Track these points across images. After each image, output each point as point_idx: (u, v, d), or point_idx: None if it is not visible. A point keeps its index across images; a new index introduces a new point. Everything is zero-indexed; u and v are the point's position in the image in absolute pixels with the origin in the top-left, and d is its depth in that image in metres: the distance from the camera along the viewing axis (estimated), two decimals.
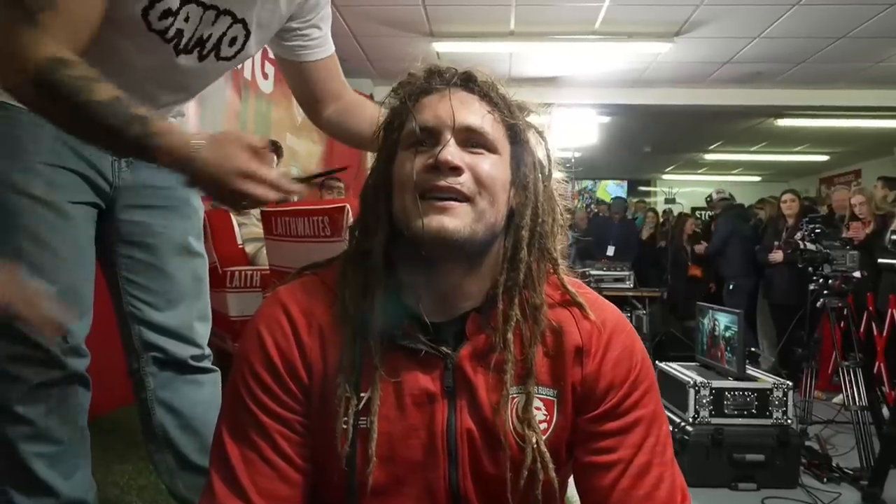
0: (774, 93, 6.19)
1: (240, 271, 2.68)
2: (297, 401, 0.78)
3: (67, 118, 0.88)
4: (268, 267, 2.34)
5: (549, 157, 0.84)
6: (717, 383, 2.85)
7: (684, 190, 12.38)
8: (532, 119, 0.88)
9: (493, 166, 0.77)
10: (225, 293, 2.61)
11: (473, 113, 0.77)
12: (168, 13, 1.02)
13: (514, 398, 0.78)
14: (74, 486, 1.14)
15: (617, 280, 6.19)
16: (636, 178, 13.08)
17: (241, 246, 2.91)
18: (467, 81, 0.80)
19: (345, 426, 0.75)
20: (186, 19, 1.05)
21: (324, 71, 1.29)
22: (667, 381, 3.21)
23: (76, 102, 0.83)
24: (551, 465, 0.77)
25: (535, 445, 0.77)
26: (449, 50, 5.26)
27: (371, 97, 6.29)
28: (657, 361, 3.45)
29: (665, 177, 13.09)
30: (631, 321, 4.65)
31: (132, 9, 0.99)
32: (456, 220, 0.74)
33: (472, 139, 0.77)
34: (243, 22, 1.11)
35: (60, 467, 1.12)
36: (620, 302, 6.28)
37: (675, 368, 3.20)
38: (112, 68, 0.92)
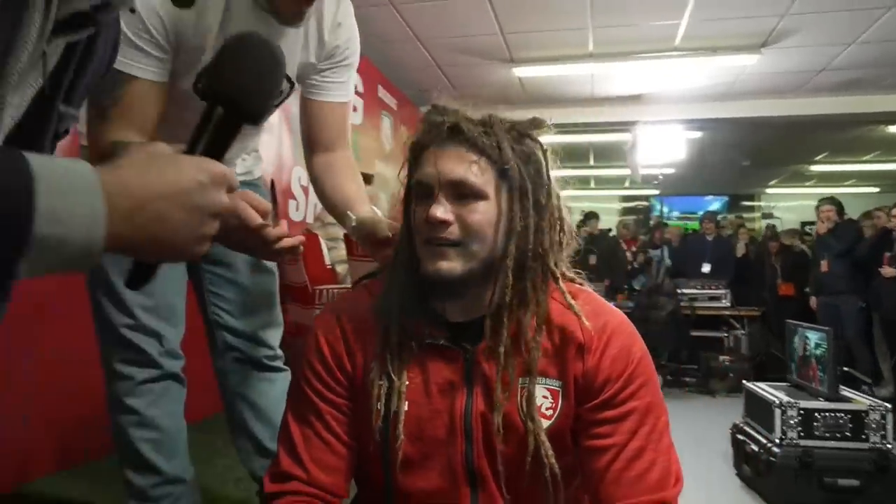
0: (881, 99, 5.82)
1: (327, 289, 2.91)
2: (343, 388, 0.94)
3: None
4: (350, 286, 2.54)
5: (548, 176, 0.94)
6: (805, 404, 2.74)
7: (791, 204, 11.72)
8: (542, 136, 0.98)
9: (480, 212, 0.88)
10: (313, 309, 2.85)
11: (459, 166, 0.88)
12: None
13: (522, 388, 0.90)
14: (174, 466, 1.35)
15: (712, 299, 6.01)
16: (737, 192, 12.51)
17: (329, 266, 3.15)
18: (455, 135, 0.89)
19: (378, 408, 0.90)
20: None
21: (328, 116, 1.37)
22: (754, 401, 3.12)
23: None
24: (551, 452, 0.88)
25: (535, 433, 0.88)
26: (529, 74, 5.39)
27: None
28: (745, 381, 3.35)
29: (769, 191, 12.45)
30: (728, 342, 4.56)
31: (187, 85, 1.19)
32: (450, 263, 0.88)
33: (459, 191, 0.88)
34: (287, 77, 1.29)
35: (162, 450, 1.33)
36: (716, 321, 6.08)
37: (762, 388, 3.10)
38: (181, 130, 1.13)
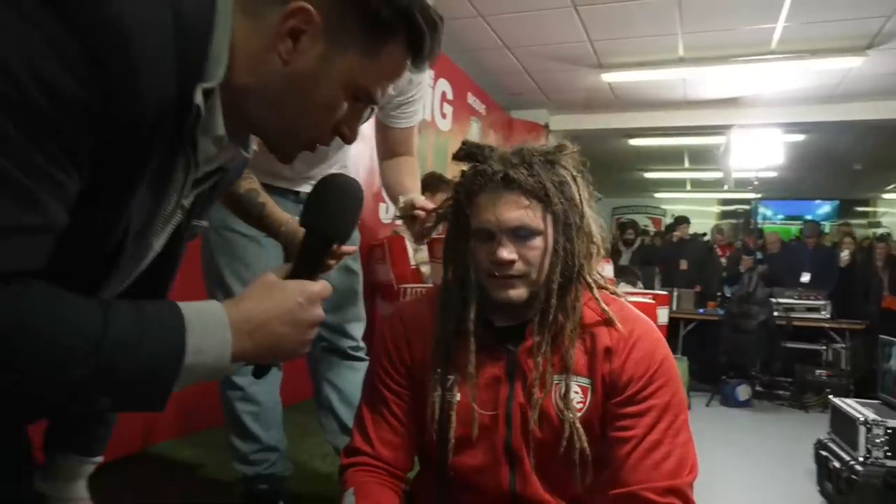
0: None
1: (411, 288, 3.13)
2: (404, 379, 1.13)
3: (229, 203, 1.34)
4: (432, 285, 2.74)
5: (580, 198, 1.07)
6: (893, 423, 2.66)
7: None
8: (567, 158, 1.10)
9: (537, 247, 1.03)
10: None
11: (516, 212, 1.02)
12: None
13: (556, 384, 1.05)
14: (271, 437, 1.59)
15: (810, 310, 5.75)
16: (849, 197, 11.70)
17: (413, 267, 3.37)
18: (507, 183, 1.03)
19: (435, 398, 1.07)
20: None
21: (400, 136, 1.68)
22: (840, 417, 3.04)
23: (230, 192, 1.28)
24: (584, 437, 1.02)
25: (571, 421, 1.02)
26: (618, 80, 5.39)
27: (546, 126, 6.60)
28: (832, 396, 3.26)
29: (886, 196, 11.56)
30: (826, 355, 4.42)
31: None
32: (517, 291, 1.04)
33: (519, 232, 1.03)
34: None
35: (261, 422, 1.57)
36: (816, 334, 5.81)
37: (849, 405, 3.02)
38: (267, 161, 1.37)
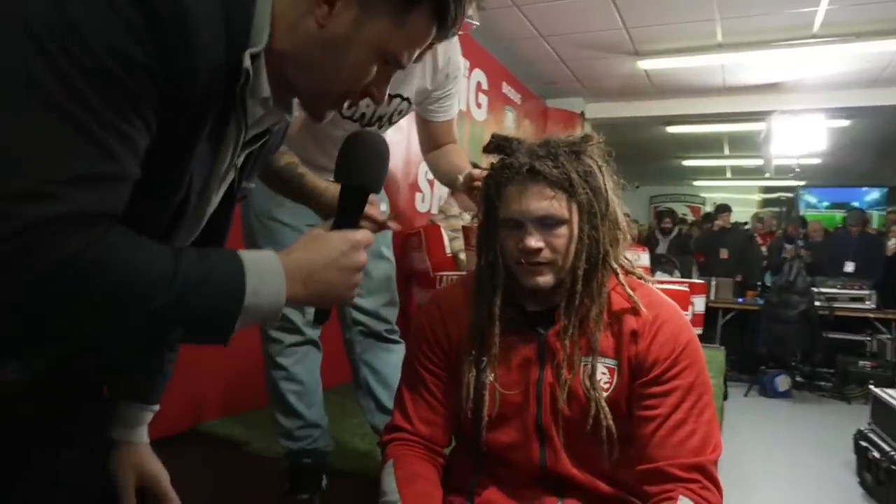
0: None
1: (447, 275, 3.19)
2: (442, 361, 1.19)
3: (271, 180, 1.38)
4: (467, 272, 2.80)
5: (605, 187, 1.11)
6: None
7: None
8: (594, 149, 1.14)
9: (563, 235, 1.08)
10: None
11: (542, 202, 1.07)
12: (352, 104, 1.50)
13: (584, 365, 1.10)
14: (313, 414, 1.67)
15: (854, 300, 5.63)
16: None
17: (449, 255, 3.43)
18: (533, 175, 1.08)
19: (470, 378, 1.13)
20: (368, 105, 1.55)
21: (441, 128, 1.75)
22: (880, 407, 3.01)
23: (263, 175, 1.32)
24: (609, 415, 1.07)
25: (597, 400, 1.07)
26: (655, 67, 5.33)
27: (582, 115, 6.56)
28: (873, 387, 3.22)
29: None
30: (871, 346, 4.39)
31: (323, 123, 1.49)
32: (544, 277, 1.09)
33: (545, 222, 1.08)
34: (408, 99, 1.58)
35: (304, 400, 1.66)
36: (861, 324, 5.68)
37: (890, 394, 2.98)
38: (318, 140, 1.44)
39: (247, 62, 0.67)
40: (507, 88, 5.25)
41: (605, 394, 1.09)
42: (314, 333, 1.67)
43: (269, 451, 1.93)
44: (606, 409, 1.07)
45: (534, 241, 1.07)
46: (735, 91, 5.84)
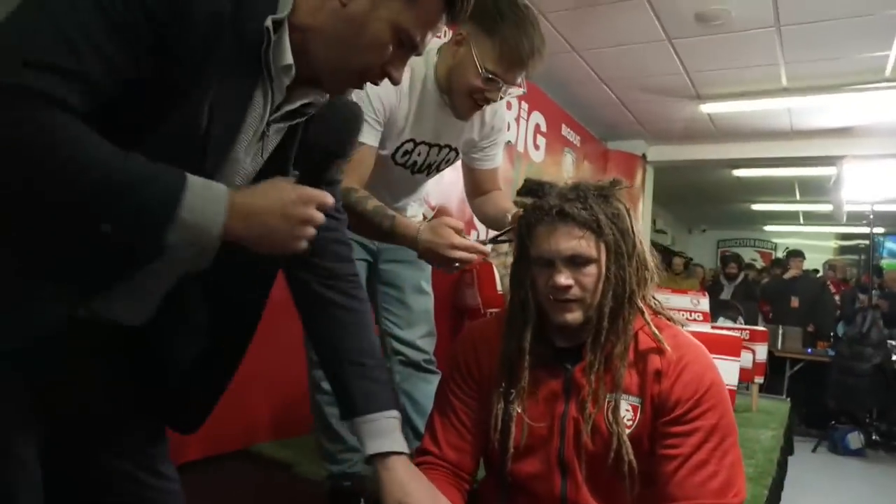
0: None
1: (497, 312, 3.25)
2: (473, 390, 1.25)
3: (355, 222, 1.47)
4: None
5: (632, 228, 1.17)
6: None
7: None
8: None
9: (591, 274, 1.13)
10: None
11: (571, 242, 1.13)
12: (407, 153, 1.63)
13: (608, 401, 1.13)
14: (354, 439, 1.74)
15: None
16: None
17: (500, 292, 3.48)
18: (563, 216, 1.14)
19: (499, 409, 1.18)
20: (419, 154, 1.67)
21: (486, 175, 1.83)
22: None
23: (357, 210, 1.45)
24: (631, 451, 1.10)
25: (619, 435, 1.10)
26: (719, 111, 5.28)
27: (644, 157, 6.54)
28: None
29: None
30: None
31: (387, 153, 1.62)
32: (573, 314, 1.14)
33: (574, 260, 1.13)
34: (456, 150, 1.68)
35: (347, 424, 1.73)
36: None
37: None
38: (374, 184, 1.56)
39: (268, 23, 0.77)
40: (566, 131, 5.32)
41: (627, 430, 1.12)
42: None
43: (314, 475, 2.00)
44: (628, 444, 1.10)
45: (563, 279, 1.12)
46: (803, 135, 5.69)
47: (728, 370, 2.42)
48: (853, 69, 4.33)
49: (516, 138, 4.46)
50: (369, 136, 1.52)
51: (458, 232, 1.38)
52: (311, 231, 0.81)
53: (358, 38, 0.81)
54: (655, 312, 1.21)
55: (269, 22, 0.77)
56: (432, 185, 1.96)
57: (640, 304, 1.17)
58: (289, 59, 0.80)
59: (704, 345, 2.41)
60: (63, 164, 0.65)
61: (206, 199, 0.72)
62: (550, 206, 1.15)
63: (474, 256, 1.40)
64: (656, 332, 1.15)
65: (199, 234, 0.72)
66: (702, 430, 1.09)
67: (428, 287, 1.89)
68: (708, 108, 5.20)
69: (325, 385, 1.73)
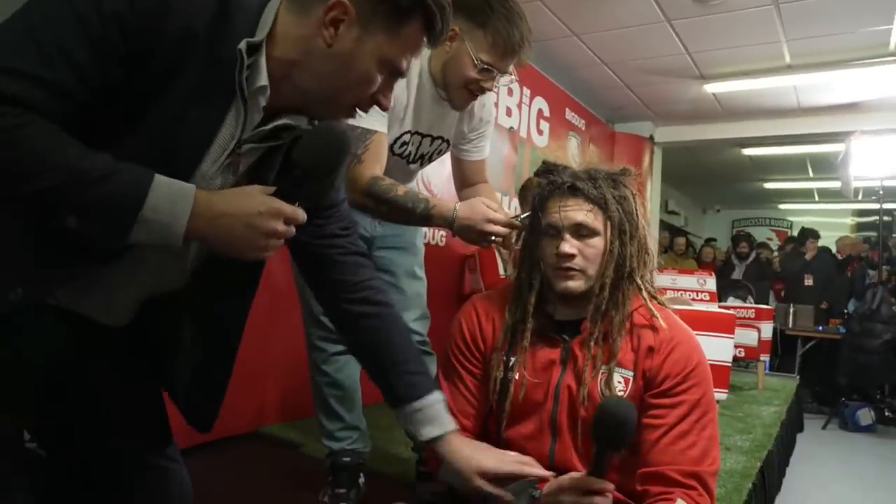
0: None
1: (501, 287, 3.32)
2: (476, 359, 1.33)
3: (385, 210, 1.56)
4: None
5: (637, 212, 1.25)
6: None
7: None
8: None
9: (595, 246, 1.22)
10: None
11: (579, 213, 1.21)
12: (404, 143, 1.71)
13: (603, 373, 1.22)
14: (353, 417, 1.84)
15: None
16: None
17: (503, 277, 3.55)
18: (573, 191, 1.23)
19: (498, 374, 1.27)
20: (413, 144, 1.75)
21: (474, 167, 1.91)
22: None
23: (388, 198, 1.52)
24: None
25: None
26: (723, 90, 5.26)
27: (651, 139, 6.53)
28: None
29: None
30: None
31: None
32: (575, 282, 1.23)
33: (580, 230, 1.22)
34: (448, 141, 1.76)
35: (345, 404, 1.83)
36: None
37: None
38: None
39: (241, 45, 0.81)
40: (570, 115, 5.34)
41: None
42: None
43: (319, 453, 2.10)
44: None
45: (568, 247, 1.21)
46: (811, 112, 5.65)
47: (722, 347, 2.48)
48: (857, 44, 4.30)
49: (518, 124, 4.50)
50: (380, 124, 1.58)
51: (494, 208, 1.46)
52: (276, 243, 0.83)
53: (347, 76, 0.86)
54: (651, 296, 1.29)
55: (242, 45, 0.81)
56: (435, 172, 2.03)
57: (639, 282, 1.25)
58: (263, 80, 0.83)
59: (700, 323, 2.50)
60: (31, 158, 0.69)
61: (172, 199, 0.75)
62: (563, 181, 1.24)
63: (508, 231, 1.47)
64: (654, 310, 1.25)
65: (162, 230, 0.75)
66: (686, 403, 1.18)
67: (421, 272, 1.97)
68: (712, 87, 5.19)
69: (325, 367, 1.82)
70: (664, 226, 8.67)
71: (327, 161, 0.87)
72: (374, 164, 1.55)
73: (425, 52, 1.64)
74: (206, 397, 1.08)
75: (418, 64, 1.66)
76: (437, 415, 1.12)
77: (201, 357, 1.03)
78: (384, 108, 0.93)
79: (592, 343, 1.22)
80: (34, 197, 0.72)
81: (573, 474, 1.12)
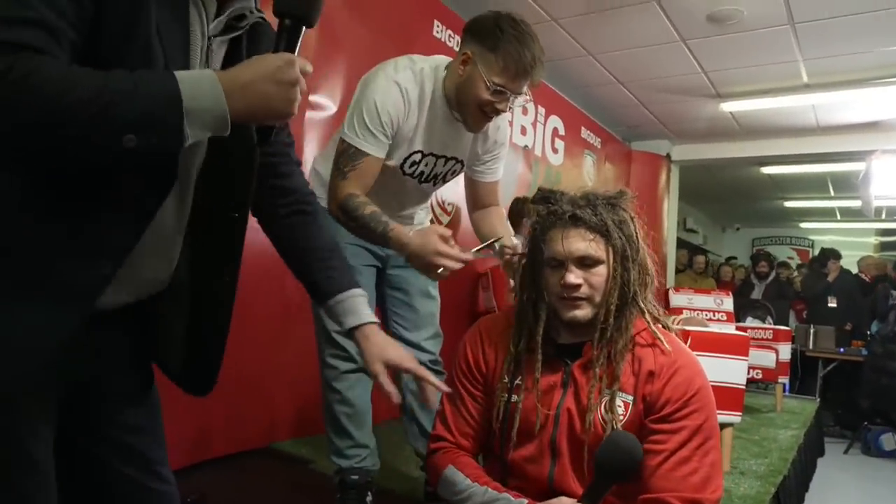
0: None
1: (505, 310, 3.32)
2: (479, 382, 1.35)
3: (354, 226, 1.61)
4: None
5: (637, 236, 1.26)
6: None
7: None
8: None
9: (599, 274, 1.24)
10: None
11: (582, 244, 1.23)
12: (414, 163, 1.74)
13: (605, 397, 1.22)
14: (362, 435, 1.85)
15: None
16: None
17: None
18: (575, 220, 1.25)
19: (502, 400, 1.29)
20: (426, 165, 1.77)
21: (486, 188, 1.92)
22: None
23: (355, 216, 1.56)
24: None
25: (613, 425, 1.20)
26: (740, 109, 5.25)
27: (668, 157, 6.52)
28: None
29: None
30: None
31: (395, 163, 1.72)
32: (581, 311, 1.24)
33: (583, 261, 1.23)
34: (462, 161, 1.78)
35: (355, 422, 1.84)
36: None
37: None
38: (384, 192, 1.67)
39: None
40: (586, 133, 5.36)
41: (618, 425, 1.21)
42: None
43: (329, 470, 2.12)
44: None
45: (574, 278, 1.22)
46: (830, 130, 5.61)
47: (736, 369, 2.45)
48: (875, 63, 4.27)
49: (533, 143, 4.52)
50: (374, 147, 1.63)
51: (446, 240, 1.47)
52: (300, 92, 0.84)
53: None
54: (654, 318, 1.30)
55: None
56: (450, 189, 2.05)
57: (642, 305, 1.26)
58: None
59: (713, 345, 2.48)
60: (60, 94, 0.68)
61: (200, 84, 0.75)
62: (563, 211, 1.26)
63: (458, 264, 1.49)
64: (657, 332, 1.25)
65: (209, 115, 0.76)
66: (687, 429, 1.18)
67: (435, 291, 1.99)
68: (729, 106, 5.17)
69: (336, 385, 1.84)
70: (682, 244, 8.61)
71: (316, 7, 0.90)
72: (356, 183, 1.61)
73: (440, 76, 1.68)
74: (205, 355, 1.05)
75: (430, 87, 1.68)
76: (357, 306, 1.13)
77: (196, 314, 1.02)
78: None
79: (598, 366, 1.22)
80: (78, 135, 0.71)
81: (565, 500, 1.12)
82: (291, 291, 2.50)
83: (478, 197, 1.95)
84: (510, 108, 1.65)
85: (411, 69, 1.68)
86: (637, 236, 1.27)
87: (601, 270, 1.23)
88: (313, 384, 2.00)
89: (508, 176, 4.09)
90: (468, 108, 1.64)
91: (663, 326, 1.30)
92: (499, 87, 1.56)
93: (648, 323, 1.26)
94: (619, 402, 1.22)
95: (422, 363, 1.87)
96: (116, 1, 0.76)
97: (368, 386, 1.89)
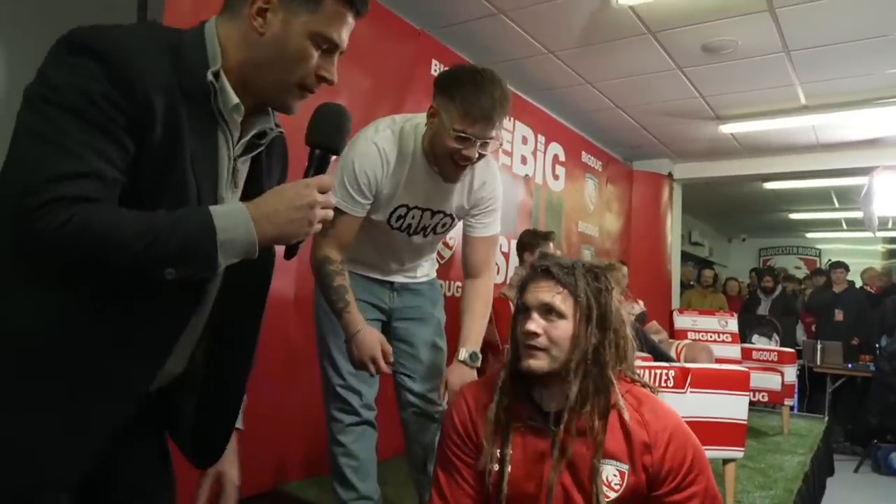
0: None
1: (488, 376, 3.35)
2: (470, 449, 1.38)
3: (321, 289, 1.71)
4: None
5: (611, 306, 1.29)
6: None
7: None
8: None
9: (560, 328, 1.27)
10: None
11: (547, 295, 1.28)
12: (401, 217, 1.78)
13: (591, 467, 1.25)
14: (367, 487, 1.89)
15: None
16: None
17: None
18: (547, 274, 1.31)
19: (491, 467, 1.32)
20: (413, 217, 1.82)
21: (477, 244, 1.91)
22: None
23: (324, 282, 1.68)
24: None
25: (597, 496, 1.23)
26: (740, 131, 5.27)
27: (670, 175, 6.54)
28: None
29: None
30: None
31: (381, 218, 1.77)
32: (538, 361, 1.28)
33: (546, 310, 1.28)
34: (450, 215, 1.82)
35: (360, 474, 1.88)
36: None
37: None
38: (379, 248, 1.71)
39: (209, 78, 0.90)
40: (587, 157, 5.40)
41: (615, 493, 1.24)
42: (370, 415, 1.91)
43: None
44: (603, 501, 1.23)
45: (534, 326, 1.26)
46: (831, 148, 5.63)
47: (737, 405, 2.47)
48: (873, 86, 4.30)
49: (534, 171, 4.57)
50: (352, 208, 1.72)
51: (385, 352, 1.66)
52: (322, 212, 0.93)
53: (284, 57, 0.94)
54: (633, 382, 1.34)
55: (210, 76, 0.90)
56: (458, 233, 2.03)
57: (611, 375, 1.28)
58: (235, 99, 0.94)
59: (713, 382, 2.51)
60: (112, 236, 0.79)
61: (232, 217, 0.86)
62: (541, 265, 1.33)
63: (387, 370, 1.71)
64: (624, 411, 1.27)
65: (240, 244, 0.86)
66: (698, 495, 1.24)
67: (442, 342, 2.03)
68: (729, 128, 5.20)
69: (341, 438, 1.88)
70: (687, 257, 8.60)
71: (340, 131, 1.00)
72: (335, 242, 1.72)
73: (419, 132, 1.74)
74: (211, 440, 1.11)
75: (411, 144, 1.74)
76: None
77: (213, 385, 1.08)
78: (330, 82, 1.00)
79: (575, 434, 1.26)
80: (129, 266, 0.81)
81: None
82: (295, 334, 2.55)
83: (468, 255, 1.92)
84: (481, 154, 1.67)
85: (391, 129, 1.76)
86: (611, 308, 1.30)
87: (564, 325, 1.26)
88: (320, 425, 2.03)
89: (509, 203, 4.14)
90: (441, 160, 1.69)
91: (643, 386, 1.35)
92: (460, 134, 1.60)
93: (618, 399, 1.28)
94: (613, 470, 1.25)
95: (427, 415, 1.94)
96: (156, 137, 0.85)
97: (373, 437, 1.93)
